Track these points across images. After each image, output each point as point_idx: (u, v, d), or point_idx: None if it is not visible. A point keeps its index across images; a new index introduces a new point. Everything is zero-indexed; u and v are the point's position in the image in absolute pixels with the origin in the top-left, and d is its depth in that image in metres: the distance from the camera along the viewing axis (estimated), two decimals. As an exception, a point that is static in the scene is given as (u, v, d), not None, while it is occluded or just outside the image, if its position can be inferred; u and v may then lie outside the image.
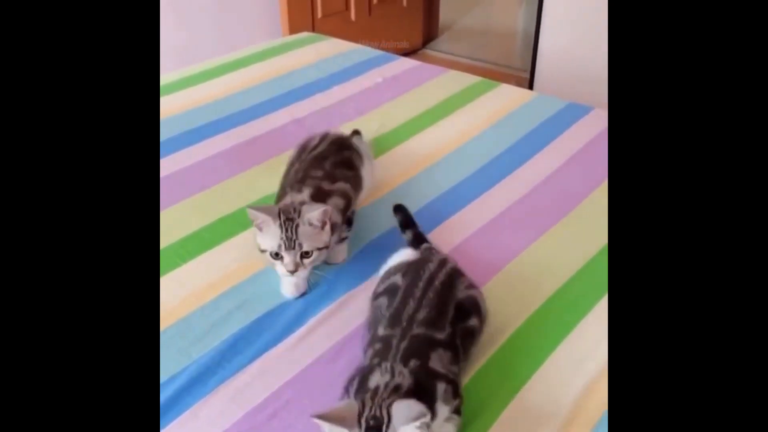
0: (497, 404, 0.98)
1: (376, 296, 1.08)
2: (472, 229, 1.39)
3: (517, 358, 1.07)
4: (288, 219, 1.11)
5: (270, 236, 1.12)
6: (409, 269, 1.08)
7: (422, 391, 0.85)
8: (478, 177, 1.57)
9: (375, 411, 0.80)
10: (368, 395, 0.83)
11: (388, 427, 0.79)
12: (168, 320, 1.14)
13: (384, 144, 1.73)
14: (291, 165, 1.36)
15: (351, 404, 0.83)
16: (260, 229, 1.13)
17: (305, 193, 1.21)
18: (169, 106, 1.90)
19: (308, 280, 1.20)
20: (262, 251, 1.14)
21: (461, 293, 1.05)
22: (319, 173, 1.28)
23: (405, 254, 1.17)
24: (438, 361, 0.93)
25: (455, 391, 0.91)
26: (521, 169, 1.60)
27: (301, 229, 1.10)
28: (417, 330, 0.95)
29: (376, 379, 0.87)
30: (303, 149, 1.39)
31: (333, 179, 1.28)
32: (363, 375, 0.90)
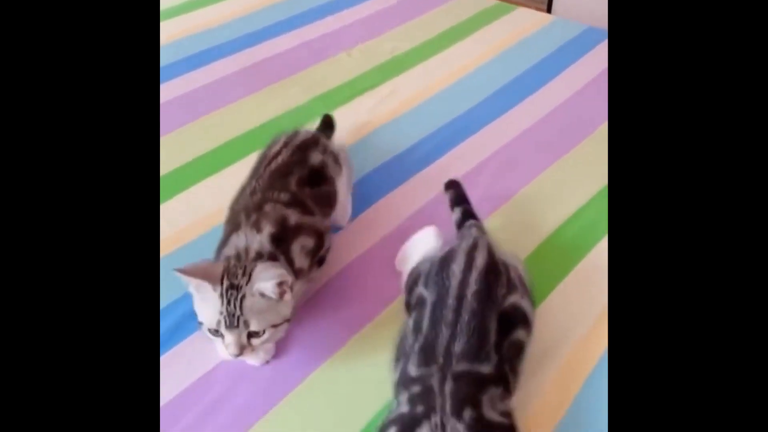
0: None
1: (407, 305, 0.92)
2: (483, 155, 1.36)
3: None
4: (232, 286, 0.83)
5: (208, 306, 0.83)
6: (430, 277, 0.88)
7: None
8: (491, 103, 1.53)
9: None
10: None
11: None
12: (170, 247, 1.14)
13: (396, 67, 1.68)
14: (248, 180, 1.06)
15: None
16: (197, 292, 0.86)
17: (264, 234, 0.91)
18: (172, 30, 1.86)
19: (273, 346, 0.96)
20: (199, 323, 0.86)
21: (502, 304, 0.85)
22: (283, 197, 0.99)
23: (427, 238, 1.04)
24: (490, 404, 0.77)
25: None
26: (536, 94, 1.55)
27: (248, 302, 0.82)
28: (459, 367, 0.78)
29: None
30: (262, 158, 1.08)
31: (302, 207, 0.99)
32: (405, 428, 0.75)
